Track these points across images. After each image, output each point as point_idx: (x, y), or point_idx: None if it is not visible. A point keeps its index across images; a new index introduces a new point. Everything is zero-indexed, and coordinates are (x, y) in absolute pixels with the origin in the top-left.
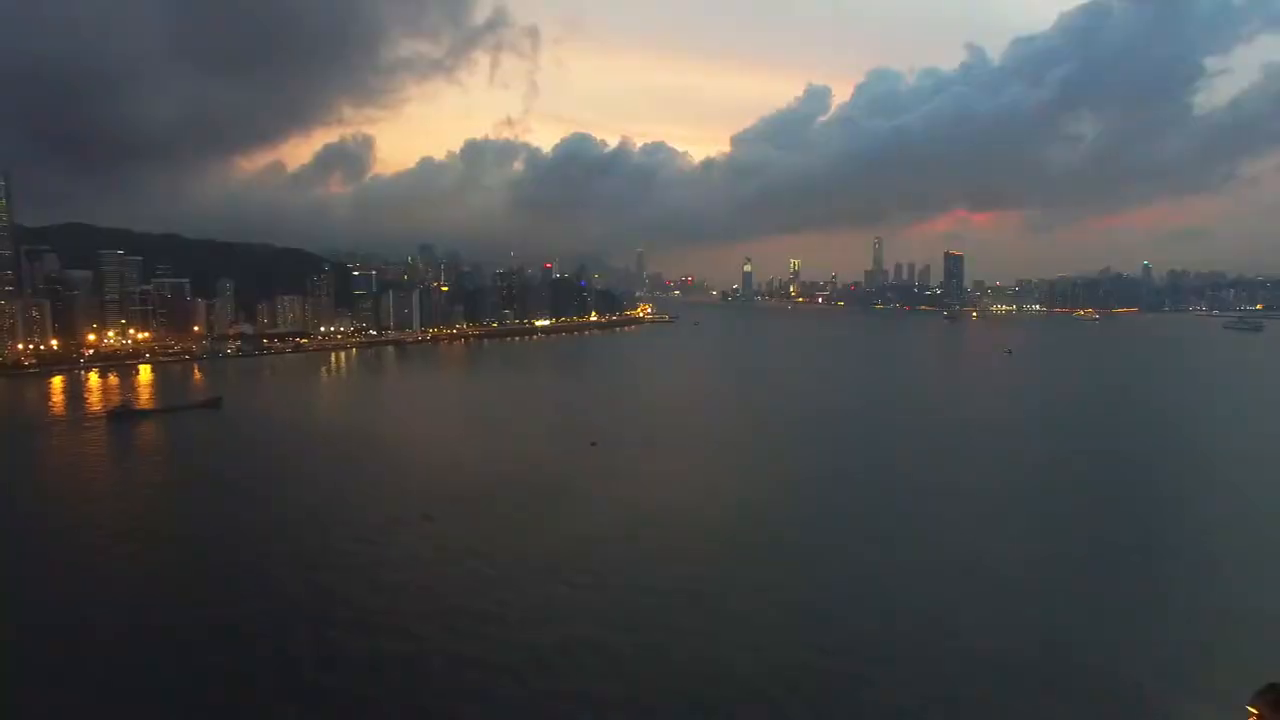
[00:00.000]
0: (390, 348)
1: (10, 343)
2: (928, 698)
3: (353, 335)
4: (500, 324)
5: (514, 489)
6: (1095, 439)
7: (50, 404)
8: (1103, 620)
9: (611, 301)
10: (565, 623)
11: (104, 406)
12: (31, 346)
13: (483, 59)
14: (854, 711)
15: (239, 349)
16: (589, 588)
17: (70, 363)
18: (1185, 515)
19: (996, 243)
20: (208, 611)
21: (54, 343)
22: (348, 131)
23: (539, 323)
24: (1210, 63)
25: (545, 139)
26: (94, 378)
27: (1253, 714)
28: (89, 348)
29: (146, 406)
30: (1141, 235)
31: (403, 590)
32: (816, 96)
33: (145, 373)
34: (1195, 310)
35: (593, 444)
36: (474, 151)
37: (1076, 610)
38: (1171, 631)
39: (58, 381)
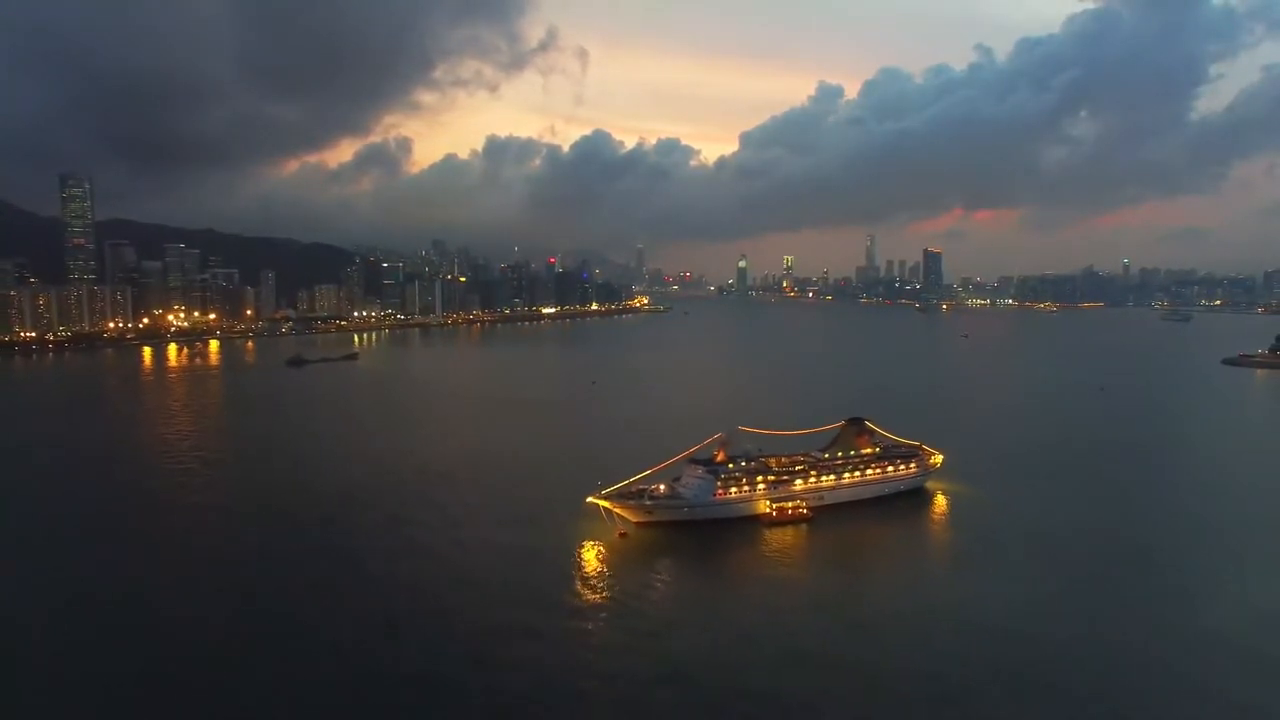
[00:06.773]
0: (416, 330)
1: (102, 321)
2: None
3: (383, 319)
4: (511, 311)
5: (544, 404)
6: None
7: (210, 361)
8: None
9: (611, 293)
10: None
11: (285, 357)
12: (118, 325)
13: (530, 76)
14: None
15: (291, 329)
16: (598, 441)
17: (159, 337)
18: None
19: (991, 241)
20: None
21: (145, 321)
22: (389, 135)
23: (545, 310)
24: (1215, 68)
25: (565, 137)
26: (173, 349)
27: (842, 424)
28: (171, 326)
29: (311, 358)
30: (1133, 234)
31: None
32: (828, 95)
33: (214, 346)
34: (1156, 306)
35: (593, 383)
36: (495, 149)
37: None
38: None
39: (147, 351)
